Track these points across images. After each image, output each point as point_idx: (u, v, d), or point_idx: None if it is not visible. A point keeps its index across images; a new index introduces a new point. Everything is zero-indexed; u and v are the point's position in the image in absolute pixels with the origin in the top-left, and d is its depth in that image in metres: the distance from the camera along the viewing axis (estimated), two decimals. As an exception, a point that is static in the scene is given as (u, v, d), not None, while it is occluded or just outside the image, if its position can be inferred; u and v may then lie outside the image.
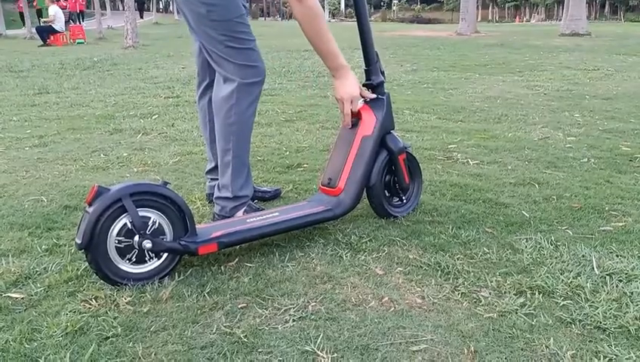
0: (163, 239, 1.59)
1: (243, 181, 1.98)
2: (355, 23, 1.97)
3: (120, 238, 1.54)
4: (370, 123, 1.95)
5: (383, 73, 2.02)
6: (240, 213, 1.98)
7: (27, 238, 1.96)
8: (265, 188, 2.36)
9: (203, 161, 2.95)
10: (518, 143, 3.23)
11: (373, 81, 1.99)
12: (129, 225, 1.54)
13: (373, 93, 2.00)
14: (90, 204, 1.51)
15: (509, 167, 2.76)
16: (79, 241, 1.50)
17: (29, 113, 4.51)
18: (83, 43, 13.58)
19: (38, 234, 2.01)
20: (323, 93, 5.31)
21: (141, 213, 1.55)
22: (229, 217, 1.95)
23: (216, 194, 2.02)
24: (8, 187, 2.53)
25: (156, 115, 4.29)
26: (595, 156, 2.94)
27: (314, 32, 1.82)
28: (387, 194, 2.10)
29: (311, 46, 1.86)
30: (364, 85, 2.01)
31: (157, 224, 1.59)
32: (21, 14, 23.24)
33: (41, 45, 13.09)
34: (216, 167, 2.12)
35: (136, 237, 1.55)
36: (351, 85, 1.89)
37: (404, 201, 2.12)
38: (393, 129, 2.05)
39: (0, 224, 2.09)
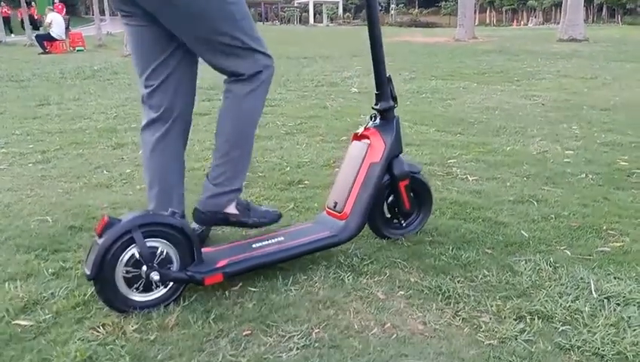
0: (170, 268, 1.62)
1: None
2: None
3: (128, 268, 1.57)
4: (378, 149, 1.97)
5: (395, 98, 2.04)
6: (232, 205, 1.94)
7: (34, 261, 1.98)
8: (264, 209, 2.23)
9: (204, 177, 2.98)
10: (516, 158, 3.27)
11: (380, 106, 2.01)
12: (137, 255, 1.57)
13: (381, 117, 2.02)
14: (100, 236, 1.53)
15: (508, 184, 2.79)
16: (89, 272, 1.52)
17: (31, 126, 4.54)
18: (83, 50, 13.63)
19: (45, 256, 2.03)
20: (322, 104, 5.35)
21: (149, 243, 1.58)
22: (222, 213, 1.92)
23: (215, 191, 1.91)
24: (13, 206, 2.56)
25: (157, 128, 4.31)
26: (593, 171, 2.98)
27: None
28: (387, 216, 2.13)
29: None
30: (372, 108, 2.04)
31: (164, 254, 1.61)
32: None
33: (42, 53, 13.12)
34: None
35: (144, 268, 1.58)
36: None
37: (404, 225, 2.15)
38: (401, 153, 2.08)
39: (7, 246, 2.12)
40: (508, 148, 3.50)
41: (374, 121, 2.04)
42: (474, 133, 3.97)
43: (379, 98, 2.02)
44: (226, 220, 1.95)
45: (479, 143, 3.65)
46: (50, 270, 1.90)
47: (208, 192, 1.92)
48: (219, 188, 1.90)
